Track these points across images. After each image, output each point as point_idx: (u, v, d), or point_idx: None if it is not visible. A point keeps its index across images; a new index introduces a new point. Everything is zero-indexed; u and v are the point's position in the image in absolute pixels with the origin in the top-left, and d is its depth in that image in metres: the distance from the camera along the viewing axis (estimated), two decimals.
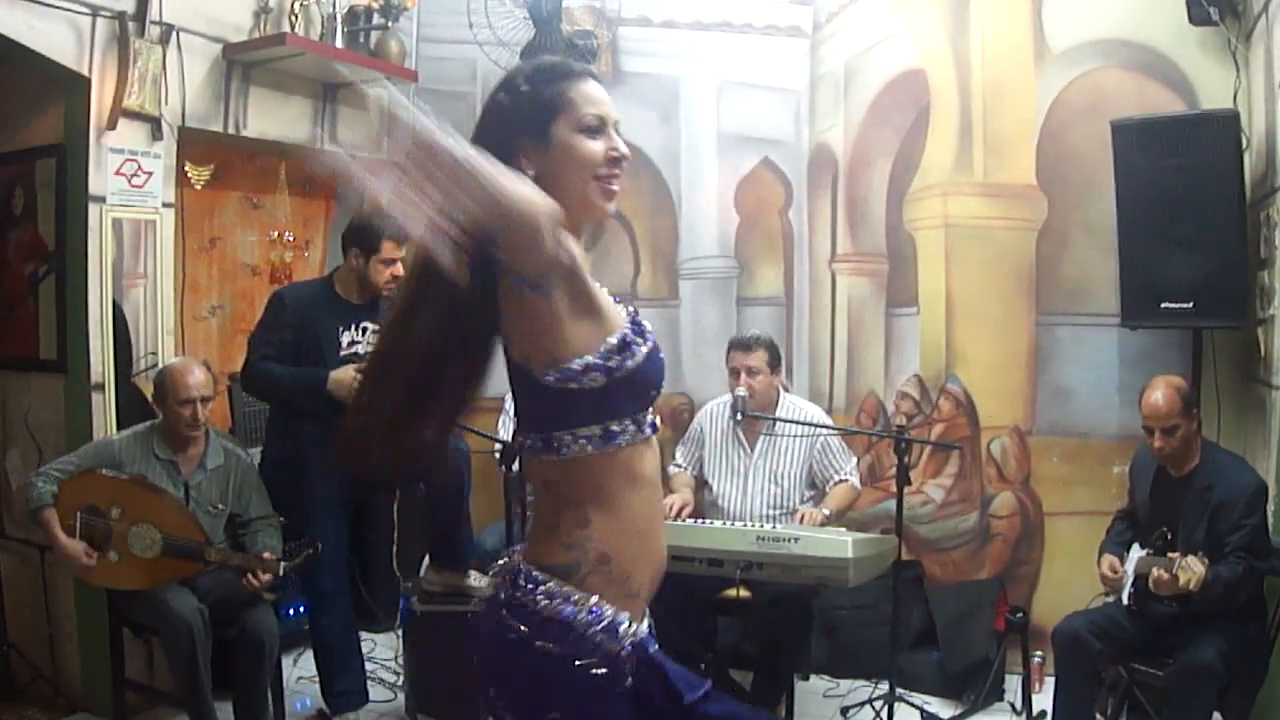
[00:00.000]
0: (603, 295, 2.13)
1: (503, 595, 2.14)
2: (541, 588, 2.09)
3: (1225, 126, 4.76)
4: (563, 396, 2.06)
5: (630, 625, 2.12)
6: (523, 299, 2.02)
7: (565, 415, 2.09)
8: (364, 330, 4.88)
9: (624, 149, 2.18)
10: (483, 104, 2.19)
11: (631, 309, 2.20)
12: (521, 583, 2.11)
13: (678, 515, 5.00)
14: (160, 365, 4.89)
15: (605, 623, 2.09)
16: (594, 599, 2.09)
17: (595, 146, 2.15)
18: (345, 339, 4.84)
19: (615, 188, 2.17)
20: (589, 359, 2.05)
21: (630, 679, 2.13)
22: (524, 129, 2.13)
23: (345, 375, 4.67)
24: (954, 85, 5.77)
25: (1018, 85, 5.64)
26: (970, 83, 5.74)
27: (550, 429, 2.11)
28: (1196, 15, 5.02)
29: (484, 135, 2.11)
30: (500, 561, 2.24)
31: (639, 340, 2.12)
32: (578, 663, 2.06)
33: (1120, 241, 5.08)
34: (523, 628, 2.08)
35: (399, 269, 4.86)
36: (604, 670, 2.08)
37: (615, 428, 2.11)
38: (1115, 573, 4.51)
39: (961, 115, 5.77)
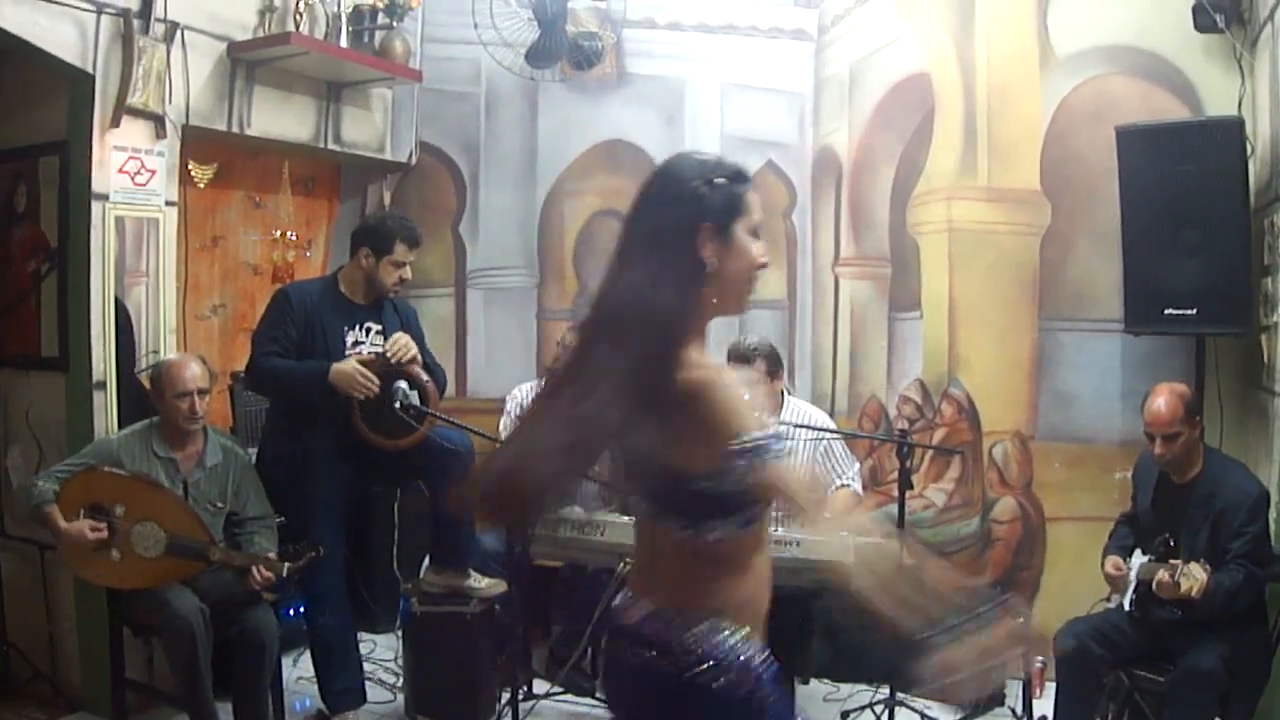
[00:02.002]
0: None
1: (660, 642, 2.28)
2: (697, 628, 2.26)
3: (1230, 133, 4.75)
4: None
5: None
6: None
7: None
8: (368, 330, 4.87)
9: (766, 257, 2.34)
10: (659, 177, 2.31)
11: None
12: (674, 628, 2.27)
13: None
14: None
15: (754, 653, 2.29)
16: (747, 630, 2.29)
17: (758, 250, 2.30)
18: (350, 339, 4.83)
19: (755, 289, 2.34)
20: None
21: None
22: (714, 220, 2.23)
23: (347, 366, 4.66)
24: (959, 90, 5.77)
25: (1022, 90, 5.64)
26: (975, 87, 5.74)
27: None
28: (1202, 22, 5.01)
29: (672, 214, 2.24)
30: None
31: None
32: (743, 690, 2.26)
33: (1124, 247, 5.08)
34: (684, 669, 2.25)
35: (407, 272, 4.86)
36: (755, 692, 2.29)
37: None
38: (1119, 570, 4.50)
39: (966, 120, 5.77)
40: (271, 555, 4.56)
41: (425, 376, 4.79)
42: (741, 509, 2.24)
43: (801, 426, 5.11)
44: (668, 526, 2.27)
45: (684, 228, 2.22)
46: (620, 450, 2.24)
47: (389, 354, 4.72)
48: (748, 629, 2.29)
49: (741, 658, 2.26)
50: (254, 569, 4.46)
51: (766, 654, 2.31)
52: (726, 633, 2.26)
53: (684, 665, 2.24)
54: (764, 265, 2.32)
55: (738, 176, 2.30)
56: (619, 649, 2.36)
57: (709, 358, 2.26)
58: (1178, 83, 5.32)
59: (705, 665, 2.24)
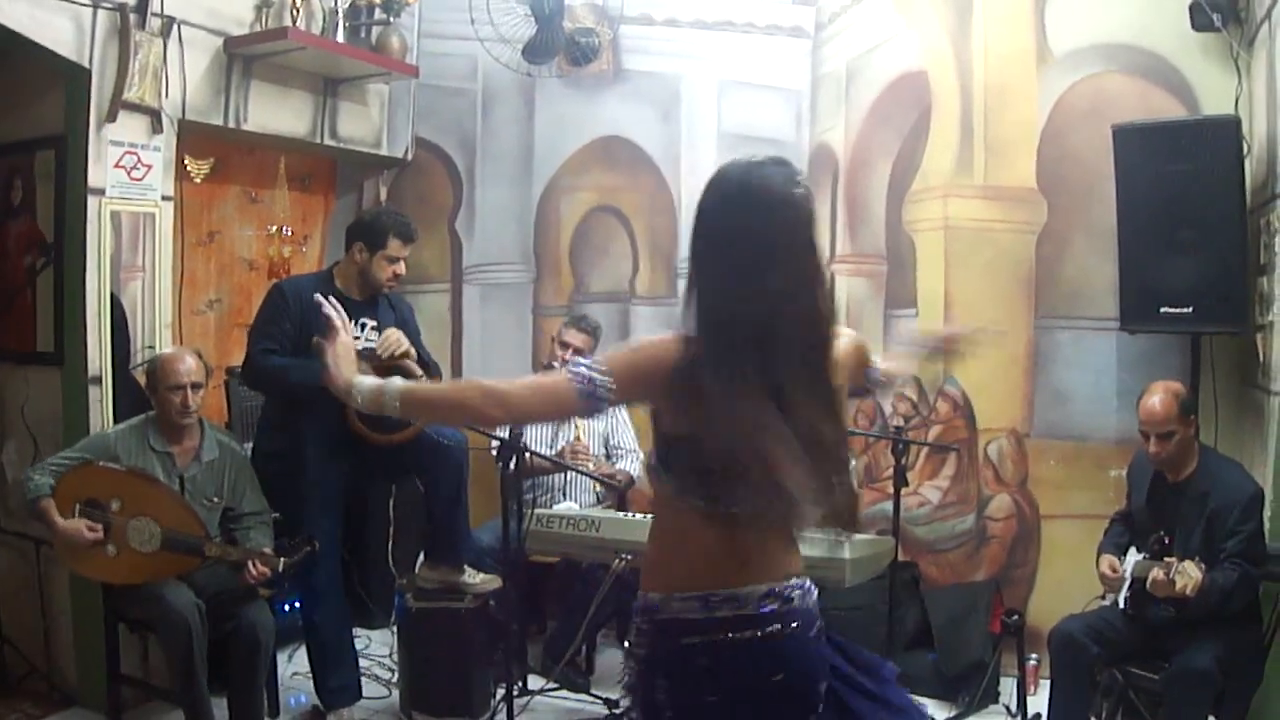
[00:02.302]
0: None
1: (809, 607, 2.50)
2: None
3: (1226, 132, 4.75)
4: None
5: None
6: None
7: None
8: (363, 326, 4.86)
9: None
10: (737, 188, 2.40)
11: None
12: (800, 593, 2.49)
13: None
14: None
15: None
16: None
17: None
18: None
19: None
20: None
21: None
22: (810, 231, 2.40)
23: None
24: (956, 87, 5.77)
25: (1019, 88, 5.64)
26: (972, 85, 5.74)
27: None
28: (1199, 21, 5.01)
29: (802, 228, 2.38)
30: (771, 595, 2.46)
31: None
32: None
33: (1120, 245, 5.08)
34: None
35: (401, 267, 4.84)
36: None
37: None
38: (1114, 572, 4.51)
39: (963, 117, 5.76)
40: (267, 550, 4.55)
41: (420, 371, 4.77)
42: None
43: None
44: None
45: (800, 232, 2.37)
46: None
47: (380, 351, 4.70)
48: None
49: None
50: (249, 564, 4.46)
51: None
52: (807, 584, 2.51)
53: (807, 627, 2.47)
54: None
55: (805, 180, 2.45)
56: (738, 638, 2.43)
57: None
58: (1174, 81, 5.32)
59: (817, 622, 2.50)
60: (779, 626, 2.39)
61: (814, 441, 2.31)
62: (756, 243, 2.31)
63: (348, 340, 2.70)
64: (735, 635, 2.39)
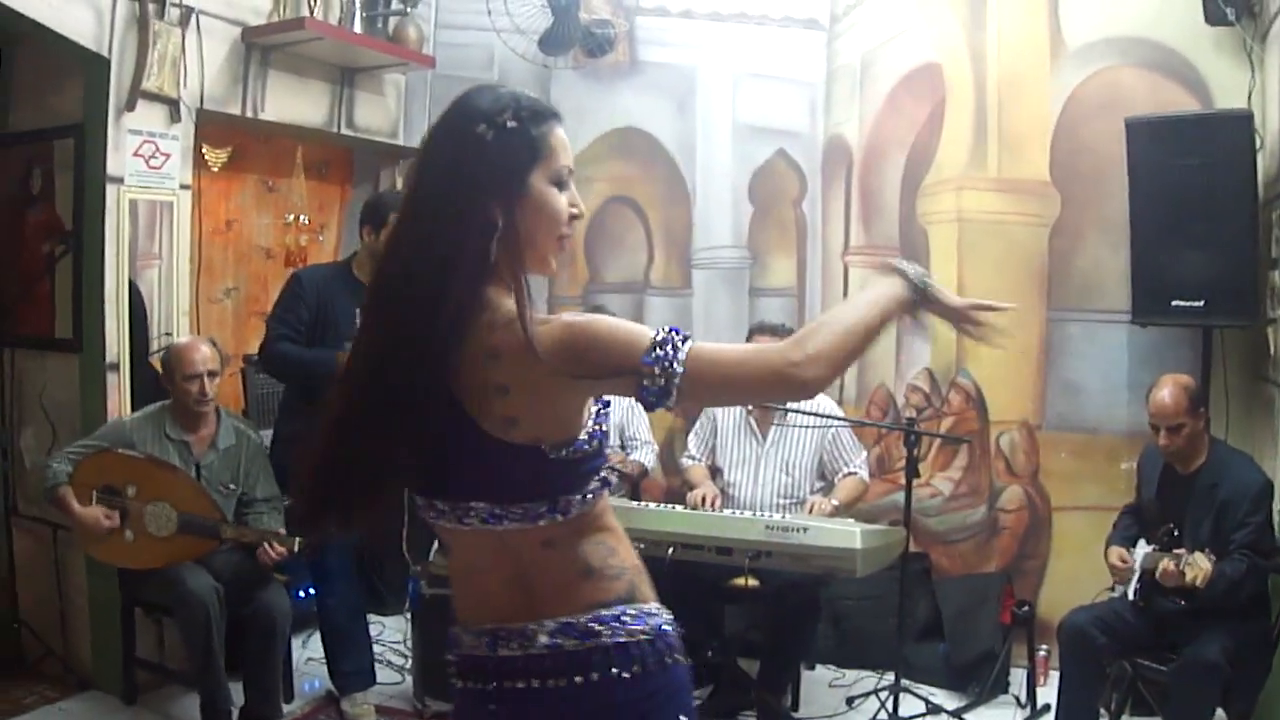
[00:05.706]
0: None
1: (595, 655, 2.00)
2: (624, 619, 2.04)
3: (1239, 126, 4.76)
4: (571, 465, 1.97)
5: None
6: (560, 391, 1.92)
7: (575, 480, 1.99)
8: None
9: (582, 206, 2.04)
10: (450, 117, 1.99)
11: None
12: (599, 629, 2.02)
13: (710, 506, 5.05)
14: None
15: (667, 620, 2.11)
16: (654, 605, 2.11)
17: (562, 203, 2.00)
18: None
19: (568, 248, 2.06)
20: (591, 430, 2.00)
21: None
22: (504, 174, 1.93)
23: None
24: (970, 80, 5.78)
25: (1033, 81, 5.65)
26: (986, 78, 5.75)
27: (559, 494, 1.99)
28: (1213, 15, 5.01)
29: (456, 171, 1.93)
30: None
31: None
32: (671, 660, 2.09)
33: (1132, 239, 5.08)
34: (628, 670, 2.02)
35: None
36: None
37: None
38: (1124, 562, 4.53)
39: (976, 110, 5.77)
40: (283, 532, 4.59)
41: None
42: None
43: (810, 414, 5.14)
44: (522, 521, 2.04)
45: (469, 181, 1.91)
46: None
47: None
48: (655, 603, 2.17)
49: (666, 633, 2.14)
50: (265, 545, 4.49)
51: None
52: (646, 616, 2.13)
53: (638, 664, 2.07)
54: (575, 217, 2.03)
55: (534, 116, 1.96)
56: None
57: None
58: (1188, 75, 5.32)
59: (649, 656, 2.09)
60: None
61: None
62: (424, 174, 2.01)
63: None
64: None
